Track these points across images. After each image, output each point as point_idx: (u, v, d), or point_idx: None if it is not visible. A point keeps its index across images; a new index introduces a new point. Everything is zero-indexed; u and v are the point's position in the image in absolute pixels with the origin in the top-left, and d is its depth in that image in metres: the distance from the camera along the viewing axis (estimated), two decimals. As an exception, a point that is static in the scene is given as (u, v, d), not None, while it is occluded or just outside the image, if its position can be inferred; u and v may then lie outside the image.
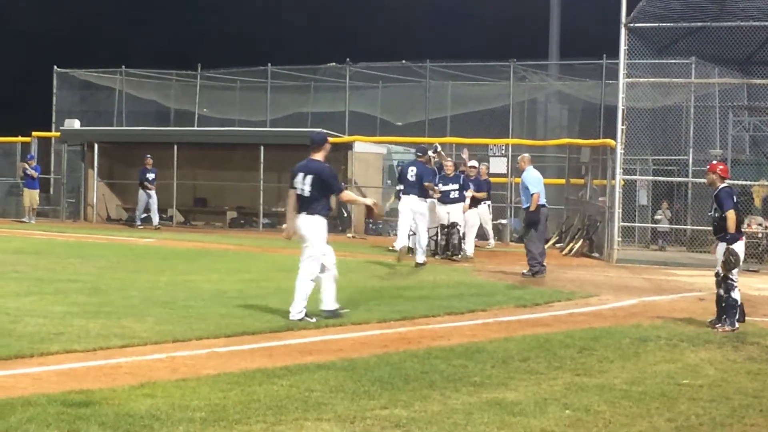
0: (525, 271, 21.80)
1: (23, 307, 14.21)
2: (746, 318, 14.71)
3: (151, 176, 36.20)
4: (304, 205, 14.29)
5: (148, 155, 36.06)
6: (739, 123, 30.53)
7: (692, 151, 28.99)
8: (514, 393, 9.70)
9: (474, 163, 28.28)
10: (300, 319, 13.74)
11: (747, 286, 21.26)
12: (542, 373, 10.74)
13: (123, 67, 43.36)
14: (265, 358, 11.08)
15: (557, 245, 30.31)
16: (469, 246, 26.19)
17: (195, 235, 32.41)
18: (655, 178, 30.39)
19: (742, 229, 15.08)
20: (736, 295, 14.57)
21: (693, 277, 22.13)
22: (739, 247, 14.72)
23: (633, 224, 28.26)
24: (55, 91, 43.51)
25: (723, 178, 15.13)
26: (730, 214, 14.58)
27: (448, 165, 25.99)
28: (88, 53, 49.54)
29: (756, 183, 27.71)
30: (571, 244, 28.84)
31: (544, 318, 15.54)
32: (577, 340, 12.83)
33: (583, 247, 28.34)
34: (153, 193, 36.06)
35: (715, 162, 16.00)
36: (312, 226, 14.26)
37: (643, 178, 30.00)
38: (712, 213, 15.06)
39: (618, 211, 26.03)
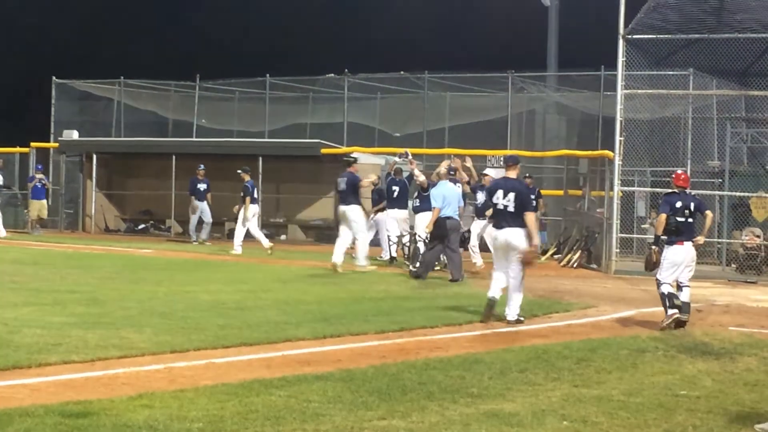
0: (450, 278, 22.54)
1: (21, 317, 14.20)
2: (741, 328, 14.84)
3: (202, 187, 34.46)
4: (509, 219, 15.76)
5: (201, 165, 34.38)
6: (737, 134, 30.54)
7: (690, 162, 28.98)
8: (511, 404, 9.70)
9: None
10: (516, 320, 15.65)
11: (745, 297, 21.32)
12: (540, 384, 10.74)
13: (122, 77, 43.40)
14: (263, 369, 11.08)
15: (555, 256, 30.31)
16: (476, 257, 26.00)
17: (193, 246, 32.40)
18: (653, 189, 30.36)
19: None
20: (663, 289, 15.78)
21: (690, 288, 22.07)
22: (670, 251, 15.93)
23: (631, 235, 28.25)
24: (53, 101, 43.51)
25: (676, 186, 16.54)
26: (660, 218, 16.13)
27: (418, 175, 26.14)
28: (87, 64, 49.62)
29: (754, 195, 27.73)
30: (570, 255, 28.85)
31: (542, 329, 15.54)
32: (574, 351, 12.84)
33: (581, 258, 28.35)
34: (205, 205, 34.29)
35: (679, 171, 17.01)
36: (522, 238, 15.68)
37: (641, 189, 30.02)
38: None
39: (616, 222, 26.04)
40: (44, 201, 37.95)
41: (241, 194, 29.93)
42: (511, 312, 15.78)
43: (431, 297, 19.11)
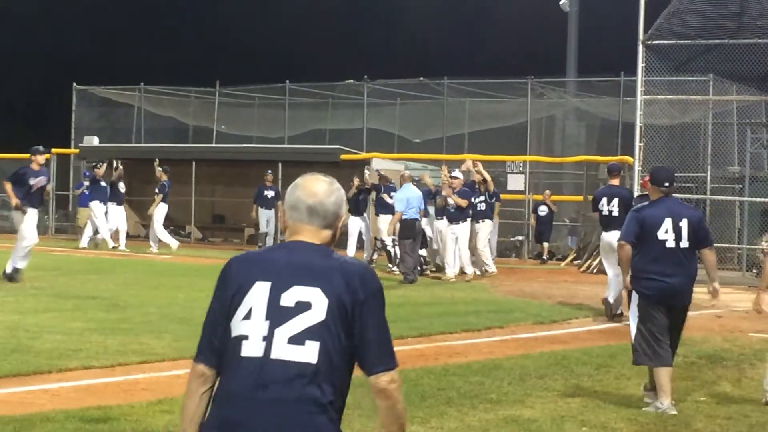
0: (401, 279, 23.06)
1: (42, 323, 14.26)
2: (761, 334, 14.81)
3: (270, 194, 33.24)
4: (613, 224, 16.29)
5: (269, 171, 33.66)
6: (757, 140, 30.44)
7: (710, 168, 28.90)
8: (530, 410, 9.71)
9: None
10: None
11: (765, 303, 21.20)
12: (559, 390, 10.73)
13: (142, 84, 43.56)
14: (282, 375, 11.08)
15: (575, 262, 30.26)
16: (489, 262, 26.00)
17: (213, 252, 32.44)
18: (673, 195, 30.32)
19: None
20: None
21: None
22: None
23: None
24: (74, 108, 43.69)
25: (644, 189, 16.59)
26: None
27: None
28: (107, 70, 49.84)
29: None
30: (589, 261, 28.81)
31: (562, 335, 15.53)
32: (594, 357, 12.82)
33: (601, 264, 28.27)
34: (272, 213, 33.14)
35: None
36: None
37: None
38: None
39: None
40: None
41: (157, 191, 31.05)
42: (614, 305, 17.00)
43: (450, 303, 19.12)
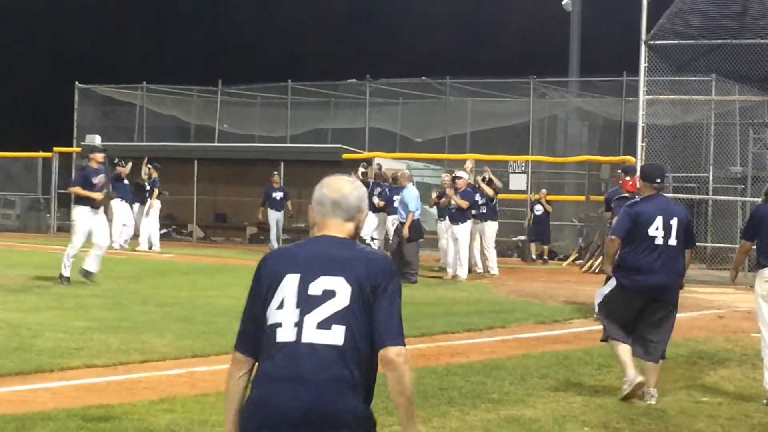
0: (403, 279, 23.02)
1: (44, 321, 14.27)
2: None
3: (279, 195, 32.65)
4: None
5: (275, 172, 33.28)
6: (759, 140, 30.38)
7: (712, 168, 28.89)
8: (532, 410, 9.70)
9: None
10: None
11: None
12: (561, 390, 10.73)
13: (144, 82, 43.57)
14: (284, 374, 11.08)
15: (577, 262, 30.26)
16: (492, 263, 26.05)
17: (215, 251, 32.48)
18: (675, 195, 30.19)
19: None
20: None
21: (712, 295, 22.04)
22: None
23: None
24: (76, 106, 43.68)
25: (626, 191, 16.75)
26: None
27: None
28: (110, 69, 49.84)
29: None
30: (591, 261, 28.80)
31: (563, 335, 15.52)
32: (596, 357, 12.80)
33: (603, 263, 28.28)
34: (281, 215, 32.95)
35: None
36: None
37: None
38: None
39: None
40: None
41: (151, 189, 31.44)
42: None
43: (452, 303, 19.11)
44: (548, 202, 32.52)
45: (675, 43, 25.81)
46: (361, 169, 28.54)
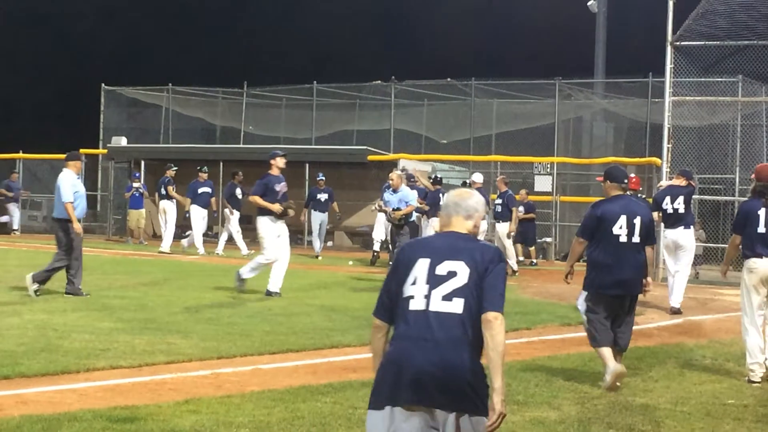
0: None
1: (70, 323, 14.32)
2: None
3: (324, 197, 31.72)
4: (680, 220, 18.33)
5: (321, 174, 32.29)
6: (786, 141, 30.32)
7: (739, 169, 28.78)
8: (557, 412, 9.68)
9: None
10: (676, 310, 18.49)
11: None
12: (586, 392, 10.70)
13: (170, 84, 43.70)
14: (309, 375, 11.11)
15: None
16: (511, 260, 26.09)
17: (240, 252, 32.48)
18: (702, 196, 30.18)
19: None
20: None
21: (738, 297, 21.88)
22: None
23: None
24: (102, 108, 43.91)
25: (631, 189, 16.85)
26: None
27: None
28: (136, 71, 50.06)
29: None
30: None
31: (589, 337, 15.45)
32: (621, 359, 12.76)
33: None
34: (325, 216, 31.89)
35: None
36: (692, 239, 18.80)
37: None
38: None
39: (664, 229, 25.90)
40: (142, 210, 37.11)
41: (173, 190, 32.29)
42: (675, 300, 18.56)
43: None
44: (530, 201, 31.69)
45: (701, 44, 25.70)
46: (397, 172, 28.39)
